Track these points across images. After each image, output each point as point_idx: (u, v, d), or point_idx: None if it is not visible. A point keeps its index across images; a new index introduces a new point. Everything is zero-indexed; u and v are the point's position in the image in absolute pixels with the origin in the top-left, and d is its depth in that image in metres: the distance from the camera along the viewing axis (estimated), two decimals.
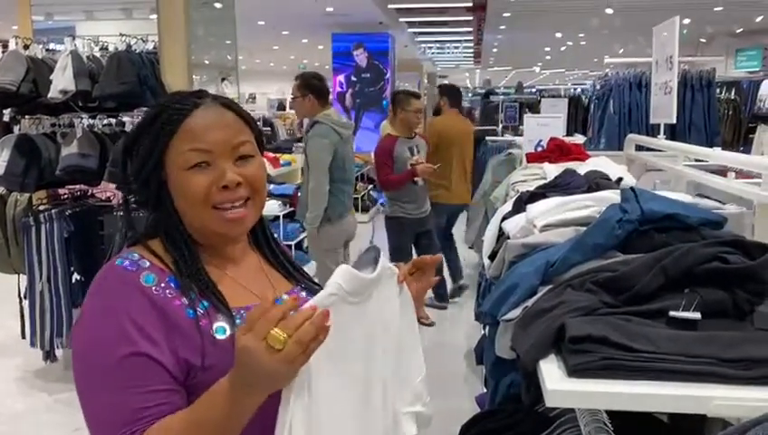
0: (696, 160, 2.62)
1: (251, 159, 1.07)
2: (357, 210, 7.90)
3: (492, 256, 1.69)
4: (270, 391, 0.86)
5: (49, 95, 3.57)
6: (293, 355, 0.81)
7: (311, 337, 0.82)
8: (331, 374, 0.90)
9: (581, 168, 2.05)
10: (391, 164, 4.56)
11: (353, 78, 12.57)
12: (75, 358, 0.98)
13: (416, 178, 4.57)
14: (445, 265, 5.21)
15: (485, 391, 2.45)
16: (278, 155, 6.81)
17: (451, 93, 5.48)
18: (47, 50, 3.90)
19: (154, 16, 4.06)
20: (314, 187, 3.78)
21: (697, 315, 0.97)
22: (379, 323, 1.02)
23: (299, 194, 5.91)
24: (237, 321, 1.02)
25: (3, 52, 3.90)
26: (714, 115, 4.48)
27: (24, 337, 3.72)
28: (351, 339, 0.95)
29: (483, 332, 3.60)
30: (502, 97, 8.77)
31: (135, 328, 0.95)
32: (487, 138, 6.79)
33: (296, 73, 4.11)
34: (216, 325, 1.00)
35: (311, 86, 3.89)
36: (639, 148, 3.19)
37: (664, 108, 2.87)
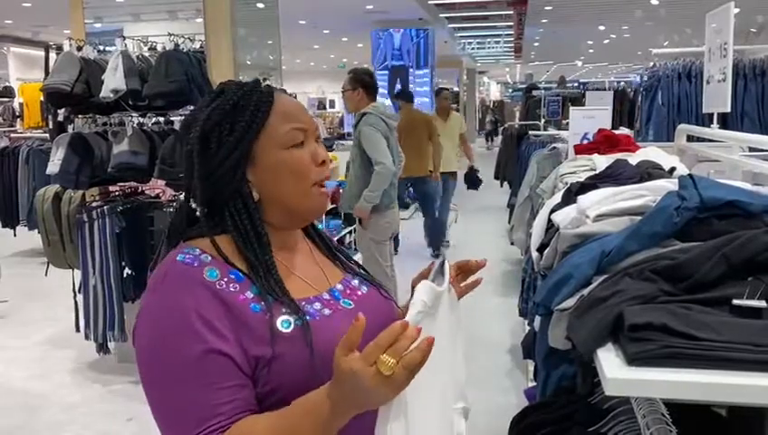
0: (751, 150, 2.54)
1: (320, 141, 1.12)
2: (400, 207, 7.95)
3: (540, 249, 1.67)
4: (369, 409, 0.87)
5: (101, 95, 3.66)
6: (401, 380, 0.82)
7: (417, 363, 0.82)
8: (418, 384, 0.91)
9: (632, 158, 2.00)
10: None
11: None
12: (142, 356, 0.97)
13: None
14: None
15: (534, 384, 2.43)
16: None
17: (405, 95, 7.08)
18: (99, 51, 4.01)
19: (198, 19, 4.14)
20: (381, 169, 3.85)
21: (763, 303, 0.94)
22: (442, 328, 1.04)
23: (341, 189, 5.99)
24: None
25: (57, 54, 4.02)
26: None
27: (78, 330, 3.85)
28: None
29: (528, 327, 3.56)
30: (544, 92, 8.63)
31: (203, 324, 0.94)
32: (530, 132, 6.70)
33: (336, 72, 4.25)
34: (280, 319, 0.99)
35: (361, 81, 4.09)
36: (689, 139, 3.11)
37: (717, 96, 2.79)
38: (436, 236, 6.90)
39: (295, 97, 1.22)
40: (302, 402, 0.90)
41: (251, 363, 0.97)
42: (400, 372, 0.81)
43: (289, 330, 0.99)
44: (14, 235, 6.95)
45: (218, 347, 0.94)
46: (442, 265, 1.06)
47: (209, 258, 1.02)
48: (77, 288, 3.88)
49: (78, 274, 3.86)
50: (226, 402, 0.93)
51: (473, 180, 7.74)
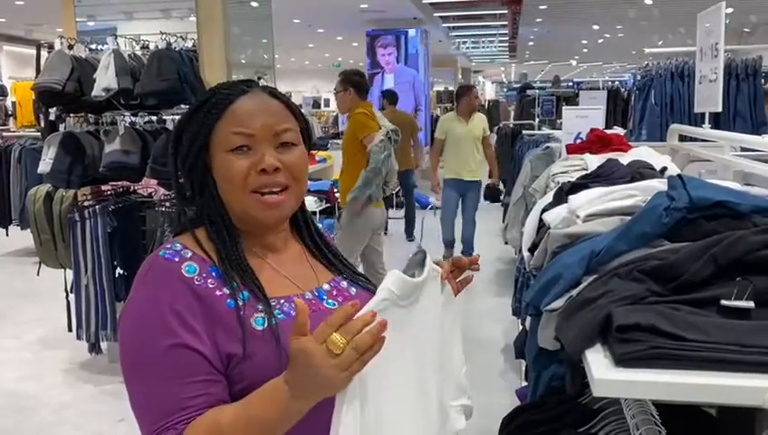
0: (743, 150, 2.55)
1: (293, 147, 1.08)
2: (392, 207, 7.94)
3: (532, 249, 1.67)
4: (324, 395, 0.86)
5: (92, 93, 3.64)
6: (350, 361, 0.82)
7: (368, 346, 0.82)
8: (384, 376, 0.91)
9: (624, 158, 2.00)
10: None
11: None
12: (120, 348, 1.00)
13: None
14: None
15: (526, 384, 2.43)
16: (313, 152, 6.88)
17: (389, 96, 7.56)
18: (90, 49, 3.98)
19: (192, 18, 4.13)
20: (373, 148, 3.94)
21: (750, 304, 0.94)
22: (426, 322, 1.03)
23: (335, 189, 5.98)
24: (276, 311, 1.02)
25: (49, 53, 3.99)
26: (760, 104, 4.33)
27: (70, 330, 3.82)
28: (402, 341, 0.96)
29: (521, 326, 3.56)
30: (538, 91, 8.65)
31: (176, 319, 0.96)
32: (524, 132, 6.71)
33: (330, 71, 4.27)
34: (255, 316, 1.00)
35: (352, 81, 4.14)
36: (682, 139, 3.12)
37: (709, 96, 2.79)
38: (411, 223, 7.48)
39: (290, 96, 1.19)
40: (262, 389, 0.91)
41: (223, 360, 0.98)
42: (349, 353, 0.81)
43: (262, 328, 1.00)
44: (7, 234, 6.92)
45: (188, 342, 0.95)
46: (423, 257, 1.05)
47: (189, 253, 1.04)
48: (69, 288, 3.86)
49: (70, 273, 3.84)
50: (194, 397, 0.93)
51: (494, 196, 6.88)
